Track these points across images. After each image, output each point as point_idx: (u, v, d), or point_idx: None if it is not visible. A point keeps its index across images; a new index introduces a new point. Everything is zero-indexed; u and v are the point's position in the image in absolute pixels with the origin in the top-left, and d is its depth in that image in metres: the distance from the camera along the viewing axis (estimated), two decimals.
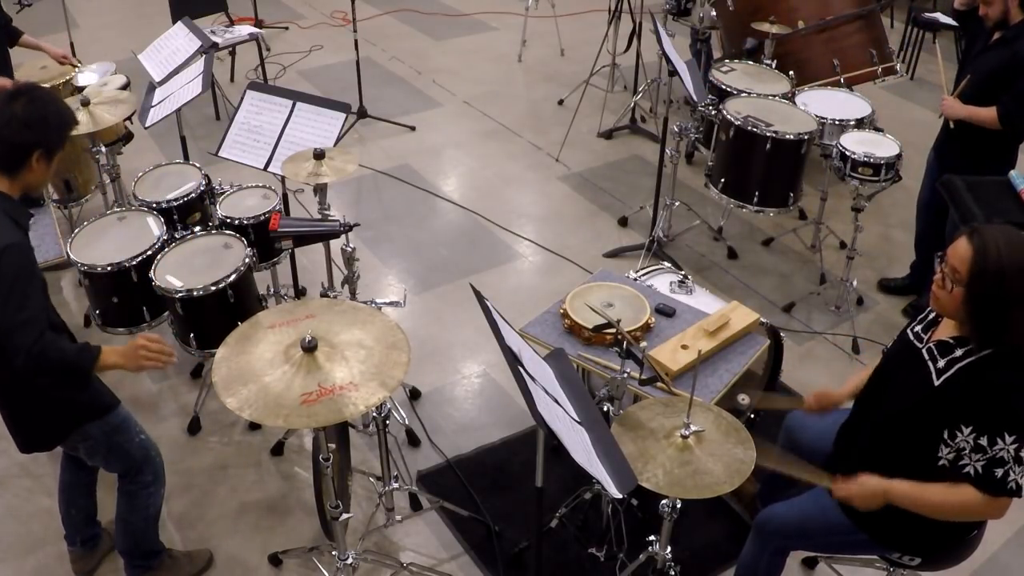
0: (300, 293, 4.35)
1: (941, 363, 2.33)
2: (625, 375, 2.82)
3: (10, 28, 4.65)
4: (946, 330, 2.39)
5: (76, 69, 4.94)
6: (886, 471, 2.39)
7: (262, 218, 3.71)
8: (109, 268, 3.36)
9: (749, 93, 4.57)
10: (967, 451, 2.24)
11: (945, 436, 2.29)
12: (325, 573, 3.09)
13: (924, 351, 2.39)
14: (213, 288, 3.31)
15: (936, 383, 2.31)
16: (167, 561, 3.08)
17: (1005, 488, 2.21)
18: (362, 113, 6.18)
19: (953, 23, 4.42)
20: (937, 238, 4.23)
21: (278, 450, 3.64)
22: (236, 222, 3.69)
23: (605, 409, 2.92)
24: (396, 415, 3.70)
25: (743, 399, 3.40)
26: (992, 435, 2.19)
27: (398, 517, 3.27)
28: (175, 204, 3.72)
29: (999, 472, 2.20)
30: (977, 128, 3.87)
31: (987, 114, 3.80)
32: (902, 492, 2.34)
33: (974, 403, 2.23)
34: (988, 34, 3.88)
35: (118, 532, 2.98)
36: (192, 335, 3.40)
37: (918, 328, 2.49)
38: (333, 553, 2.83)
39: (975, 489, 2.24)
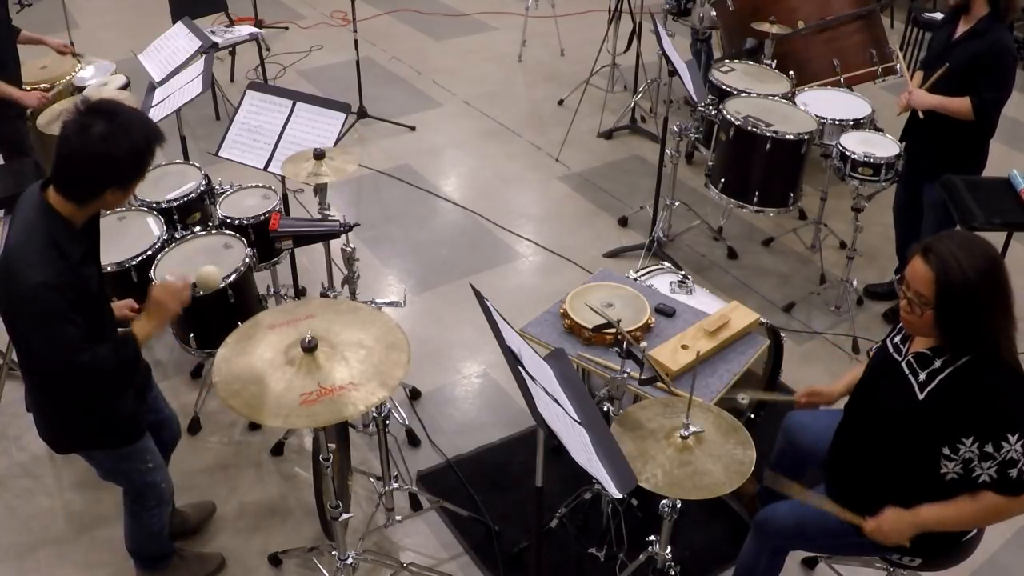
0: (300, 293, 4.34)
1: (922, 376, 2.32)
2: (625, 375, 2.82)
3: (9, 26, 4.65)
4: (923, 341, 2.37)
5: (79, 63, 4.93)
6: (886, 480, 2.40)
7: (262, 218, 3.71)
8: (109, 268, 3.35)
9: (749, 93, 4.57)
10: (975, 461, 2.23)
11: (946, 452, 2.28)
12: (325, 573, 3.09)
13: (904, 364, 2.38)
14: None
15: (920, 397, 2.30)
16: (176, 561, 3.08)
17: None
18: (362, 113, 6.18)
19: None
20: (917, 241, 4.23)
21: (278, 450, 3.64)
22: (236, 222, 3.70)
23: (605, 409, 2.92)
24: (396, 415, 3.70)
25: (743, 399, 3.40)
26: (996, 440, 2.19)
27: (398, 517, 3.27)
28: (175, 204, 3.72)
29: (1014, 472, 2.20)
30: (947, 128, 3.83)
31: (958, 104, 3.75)
32: (932, 517, 2.33)
33: (965, 413, 2.22)
34: (950, 25, 3.87)
35: (125, 533, 2.99)
36: (192, 335, 3.41)
37: (897, 339, 2.48)
38: (333, 553, 2.84)
39: (995, 494, 2.24)
